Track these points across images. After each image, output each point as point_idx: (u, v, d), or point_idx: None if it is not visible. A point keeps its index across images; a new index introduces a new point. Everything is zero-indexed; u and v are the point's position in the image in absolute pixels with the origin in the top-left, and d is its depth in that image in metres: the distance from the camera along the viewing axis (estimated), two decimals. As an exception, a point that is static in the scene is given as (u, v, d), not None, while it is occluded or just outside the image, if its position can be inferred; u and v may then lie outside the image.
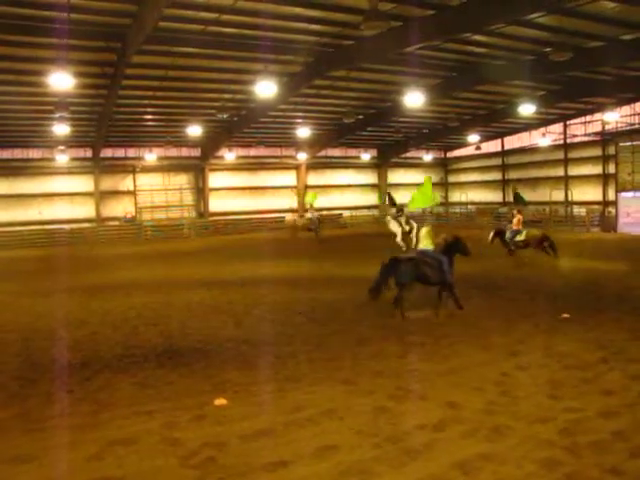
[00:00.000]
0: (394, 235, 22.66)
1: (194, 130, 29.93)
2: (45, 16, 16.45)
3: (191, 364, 7.85)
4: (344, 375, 7.13)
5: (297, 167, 41.03)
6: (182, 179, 38.45)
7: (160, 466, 4.87)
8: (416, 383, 6.79)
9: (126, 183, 36.76)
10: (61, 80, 17.99)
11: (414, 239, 21.22)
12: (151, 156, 35.74)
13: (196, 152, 37.88)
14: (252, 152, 39.61)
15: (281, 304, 12.19)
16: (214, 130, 33.06)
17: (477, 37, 19.58)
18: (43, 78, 19.53)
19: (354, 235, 31.60)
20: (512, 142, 40.73)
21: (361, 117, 32.16)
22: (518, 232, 17.92)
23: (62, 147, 33.37)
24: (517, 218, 18.35)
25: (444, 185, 46.73)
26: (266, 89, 21.02)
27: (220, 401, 6.31)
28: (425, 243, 11.22)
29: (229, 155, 37.57)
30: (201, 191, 38.60)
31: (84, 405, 6.40)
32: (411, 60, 20.99)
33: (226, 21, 17.81)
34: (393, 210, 23.65)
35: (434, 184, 45.35)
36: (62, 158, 33.64)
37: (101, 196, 35.33)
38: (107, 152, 35.25)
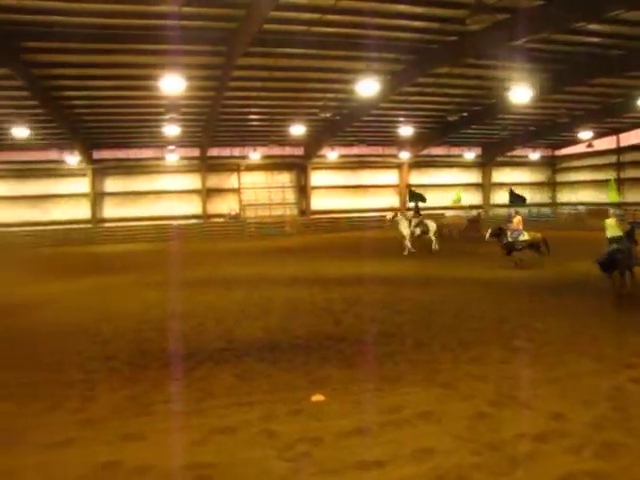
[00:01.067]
0: (403, 237, 22.28)
1: (297, 129, 30.50)
2: (158, 25, 17.39)
3: (290, 359, 7.99)
4: (443, 378, 6.97)
5: (399, 166, 40.74)
6: (285, 177, 39.30)
7: (257, 456, 4.98)
8: (519, 390, 6.50)
9: (231, 181, 38.12)
10: (173, 84, 18.99)
11: (433, 239, 22.21)
12: (255, 155, 36.82)
13: (299, 151, 38.54)
14: (354, 151, 39.72)
15: (381, 303, 12.12)
16: (317, 129, 33.47)
17: (591, 26, 18.46)
18: (155, 82, 20.67)
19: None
20: (629, 138, 38.03)
21: (465, 115, 31.37)
22: (519, 233, 17.38)
23: (172, 147, 35.19)
24: (517, 218, 17.94)
25: (552, 185, 44.58)
26: (368, 88, 21.03)
27: (318, 397, 6.36)
28: (614, 232, 12.02)
29: (331, 154, 37.93)
30: (303, 189, 39.23)
31: (188, 393, 6.69)
32: (518, 54, 20.15)
33: (329, 21, 17.99)
34: (410, 213, 23.41)
35: (538, 183, 43.81)
36: (172, 157, 35.45)
37: (207, 194, 36.84)
38: (213, 151, 36.69)
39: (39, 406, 6.38)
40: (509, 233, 17.58)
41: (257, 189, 38.66)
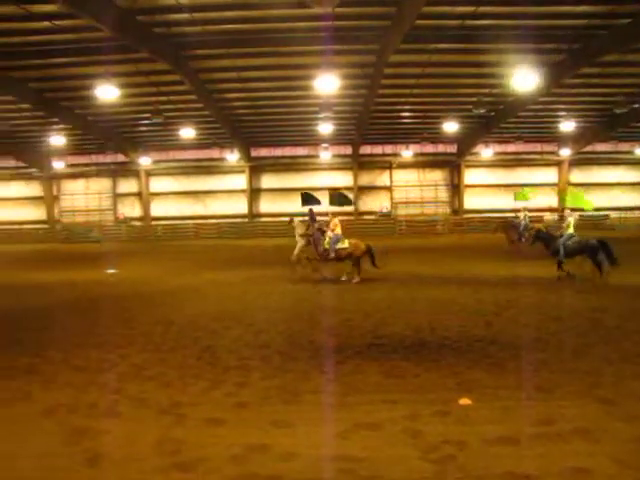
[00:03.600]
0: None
1: (450, 126, 29.88)
2: (312, 27, 17.98)
3: (437, 359, 7.84)
4: (603, 393, 6.41)
5: (559, 164, 38.30)
6: (437, 175, 38.70)
7: (401, 455, 4.96)
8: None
9: (382, 179, 38.31)
10: (327, 83, 19.48)
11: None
12: (407, 152, 36.65)
13: (452, 148, 37.75)
14: (510, 148, 38.04)
15: (535, 308, 11.48)
16: (470, 126, 32.57)
17: None
18: (310, 82, 21.38)
19: (623, 238, 28.27)
20: None
21: (636, 106, 28.62)
22: (338, 238, 15.48)
23: (325, 145, 36.17)
24: (334, 221, 15.85)
25: None
26: (525, 81, 19.99)
27: (465, 400, 6.18)
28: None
29: (486, 151, 36.65)
30: (456, 188, 38.35)
31: (335, 386, 6.83)
32: None
33: (483, 13, 17.39)
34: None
35: None
36: (325, 155, 36.43)
37: (359, 191, 37.37)
38: (365, 149, 37.11)
39: (201, 385, 6.93)
40: (327, 239, 15.64)
41: (409, 187, 38.47)
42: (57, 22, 17.71)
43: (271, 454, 5.02)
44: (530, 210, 36.09)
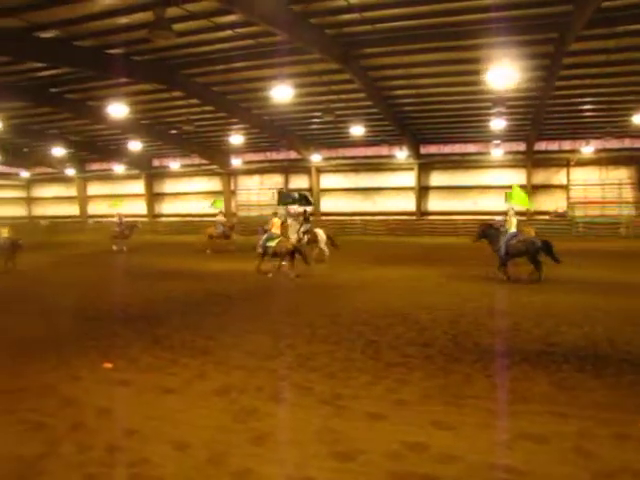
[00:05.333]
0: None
1: (640, 118, 27.06)
2: (483, 19, 17.32)
3: (616, 375, 7.14)
4: None
5: None
6: (622, 173, 35.25)
7: (569, 475, 4.61)
8: None
9: (558, 177, 35.87)
10: (499, 77, 18.69)
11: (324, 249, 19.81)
12: (588, 149, 33.91)
13: (640, 143, 34.20)
14: None
15: None
16: (664, 117, 29.17)
17: None
18: (481, 77, 20.64)
19: None
20: None
21: None
22: (270, 236, 16.65)
23: (497, 141, 34.73)
24: (275, 221, 17.05)
25: None
26: None
27: (649, 424, 5.57)
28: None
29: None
30: (646, 187, 34.72)
31: (500, 392, 6.54)
32: None
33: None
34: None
35: None
36: (497, 152, 34.99)
37: (532, 189, 35.36)
38: (540, 145, 35.01)
39: (363, 379, 7.03)
40: (265, 235, 16.54)
41: (588, 186, 35.55)
42: (238, 30, 19.04)
43: (429, 454, 4.95)
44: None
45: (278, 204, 19.59)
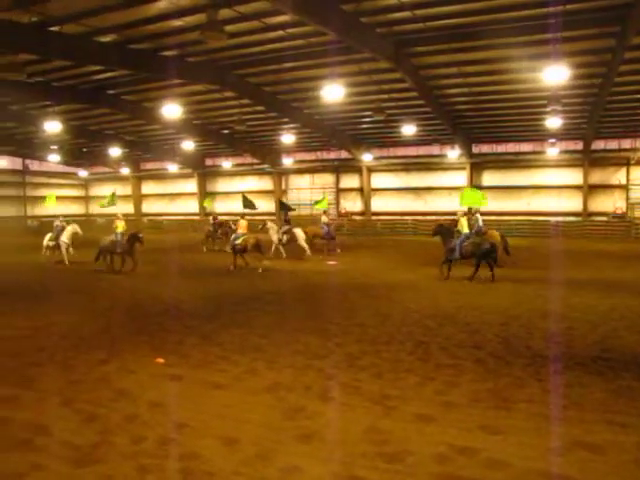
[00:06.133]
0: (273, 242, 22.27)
1: None
2: (538, 14, 16.85)
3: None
4: None
5: None
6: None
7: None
8: None
9: (617, 176, 34.58)
10: (555, 74, 18.15)
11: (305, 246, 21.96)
12: (649, 147, 32.58)
13: None
14: None
15: None
16: None
17: None
18: (536, 74, 20.10)
19: None
20: None
21: None
22: (237, 236, 18.94)
23: (552, 140, 33.77)
24: (241, 222, 19.38)
25: None
26: None
27: None
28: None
29: None
30: None
31: (552, 397, 6.37)
32: None
33: None
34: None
35: None
36: (552, 151, 34.01)
37: (589, 190, 34.22)
38: (598, 144, 33.82)
39: (411, 380, 6.99)
40: (234, 235, 19.24)
41: (649, 185, 34.14)
42: (289, 30, 19.14)
43: (478, 459, 4.87)
44: None
45: (281, 210, 23.33)
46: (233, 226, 22.06)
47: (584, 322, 10.31)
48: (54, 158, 44.91)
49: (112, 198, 23.19)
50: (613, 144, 33.95)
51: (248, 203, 22.56)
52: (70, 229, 20.43)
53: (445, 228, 16.96)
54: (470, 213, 19.51)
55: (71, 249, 20.62)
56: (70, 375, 7.32)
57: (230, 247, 19.35)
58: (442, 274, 16.01)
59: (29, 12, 16.47)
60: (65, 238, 20.30)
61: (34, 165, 47.79)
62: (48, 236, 20.97)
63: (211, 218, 28.36)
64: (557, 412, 5.91)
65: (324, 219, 25.70)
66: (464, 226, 16.19)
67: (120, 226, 18.58)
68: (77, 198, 53.62)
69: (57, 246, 20.55)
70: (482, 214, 20.30)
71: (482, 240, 16.17)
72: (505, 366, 7.58)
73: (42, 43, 17.60)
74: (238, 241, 18.74)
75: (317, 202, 27.92)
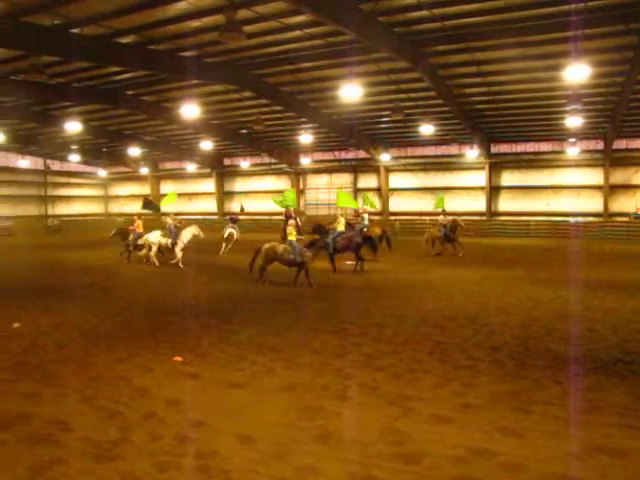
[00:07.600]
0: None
1: None
2: (557, 12, 16.67)
3: None
4: None
5: None
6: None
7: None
8: None
9: (639, 176, 34.09)
10: (576, 72, 17.94)
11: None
12: (673, 146, 32.07)
13: None
14: None
15: None
16: None
17: None
18: (556, 73, 19.91)
19: None
20: None
21: None
22: (139, 235, 20.89)
23: (572, 140, 33.38)
24: (137, 222, 21.37)
25: None
26: None
27: None
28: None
29: None
30: None
31: (572, 401, 6.29)
32: None
33: None
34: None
35: None
36: (572, 151, 33.61)
37: (610, 190, 33.75)
38: (620, 143, 33.35)
39: (429, 381, 6.96)
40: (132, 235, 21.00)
41: (672, 185, 33.60)
42: (307, 30, 19.16)
43: (495, 462, 4.83)
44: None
45: (142, 208, 24.38)
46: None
47: (604, 324, 10.18)
48: (74, 158, 45.45)
49: (172, 197, 24.36)
50: (636, 143, 33.46)
51: (150, 204, 24.51)
52: (192, 230, 19.50)
53: (322, 227, 19.32)
54: (359, 214, 22.60)
55: (180, 252, 19.34)
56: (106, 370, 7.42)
57: (132, 246, 20.88)
58: (331, 267, 17.65)
59: (52, 15, 16.69)
60: (185, 239, 19.25)
61: (55, 165, 48.36)
62: (154, 234, 19.76)
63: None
64: (576, 415, 5.84)
65: (441, 218, 23.69)
66: (341, 224, 18.82)
67: (168, 220, 20.42)
68: (97, 197, 54.15)
69: (172, 247, 19.37)
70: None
71: (354, 235, 18.29)
72: (524, 368, 7.52)
73: (64, 45, 17.82)
74: (141, 240, 20.31)
75: (439, 200, 25.72)
